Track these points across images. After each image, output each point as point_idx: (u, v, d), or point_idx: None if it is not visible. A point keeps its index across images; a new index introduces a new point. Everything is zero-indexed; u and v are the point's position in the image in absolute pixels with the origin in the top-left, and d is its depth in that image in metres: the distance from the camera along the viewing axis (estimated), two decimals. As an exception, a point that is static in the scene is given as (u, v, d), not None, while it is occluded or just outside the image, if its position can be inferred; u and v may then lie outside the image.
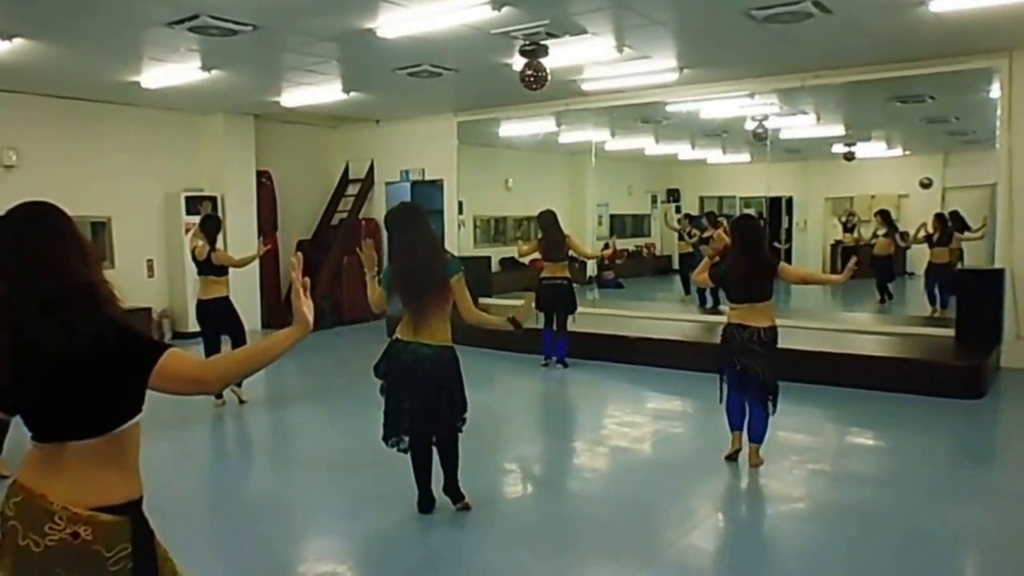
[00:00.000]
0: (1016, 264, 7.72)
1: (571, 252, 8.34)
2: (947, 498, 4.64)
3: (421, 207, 4.62)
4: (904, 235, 11.30)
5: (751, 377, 4.79)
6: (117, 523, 1.76)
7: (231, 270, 7.02)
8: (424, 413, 4.09)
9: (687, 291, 12.25)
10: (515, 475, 5.38)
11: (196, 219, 10.11)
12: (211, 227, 6.95)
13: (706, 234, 11.63)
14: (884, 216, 11.59)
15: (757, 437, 4.93)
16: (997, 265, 7.83)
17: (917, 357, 7.36)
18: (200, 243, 6.82)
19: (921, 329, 8.46)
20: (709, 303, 11.05)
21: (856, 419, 6.41)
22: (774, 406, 4.89)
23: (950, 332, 7.75)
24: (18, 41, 6.68)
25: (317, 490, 4.90)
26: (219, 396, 6.76)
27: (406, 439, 4.20)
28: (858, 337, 8.26)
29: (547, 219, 8.21)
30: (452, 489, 4.34)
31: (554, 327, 8.25)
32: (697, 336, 8.51)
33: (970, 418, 6.30)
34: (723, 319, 5.14)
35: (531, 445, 6.05)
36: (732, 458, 5.07)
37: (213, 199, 10.45)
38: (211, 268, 6.82)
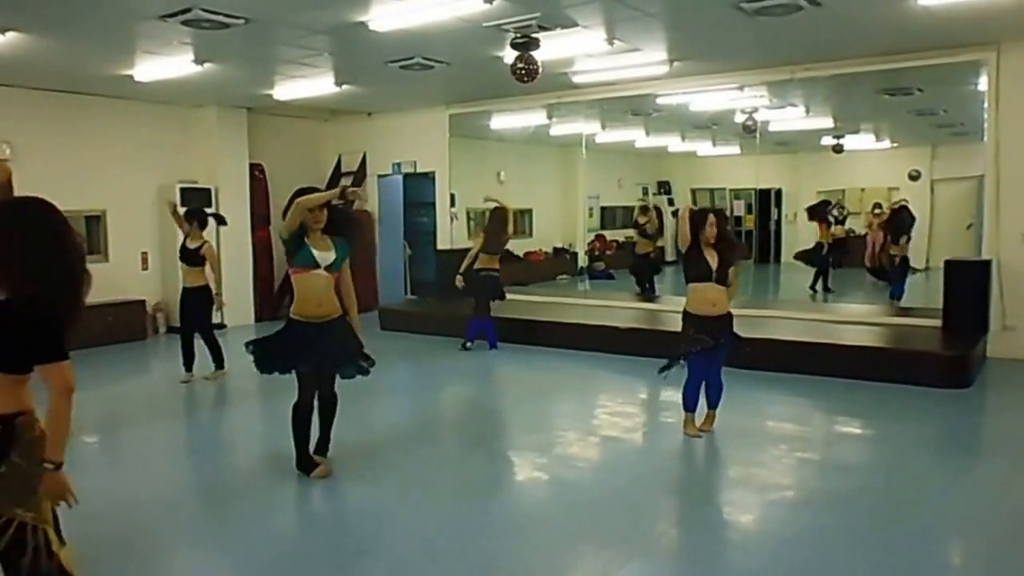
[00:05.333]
0: (1003, 255, 7.82)
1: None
2: (934, 486, 4.71)
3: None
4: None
5: (718, 352, 5.36)
6: None
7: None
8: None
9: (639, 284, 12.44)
10: (506, 464, 5.40)
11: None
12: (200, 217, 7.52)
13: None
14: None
15: (715, 403, 5.57)
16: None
17: (904, 347, 7.45)
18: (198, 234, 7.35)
19: (908, 319, 8.53)
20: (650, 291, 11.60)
21: (844, 408, 6.48)
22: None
23: (937, 322, 7.85)
24: (11, 34, 6.69)
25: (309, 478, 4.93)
26: (188, 370, 7.52)
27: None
28: (845, 327, 8.32)
29: (500, 216, 8.83)
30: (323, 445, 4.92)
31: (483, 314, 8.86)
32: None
33: (957, 407, 6.38)
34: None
35: (518, 435, 6.06)
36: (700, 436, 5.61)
37: (208, 191, 10.49)
38: (197, 258, 7.35)
